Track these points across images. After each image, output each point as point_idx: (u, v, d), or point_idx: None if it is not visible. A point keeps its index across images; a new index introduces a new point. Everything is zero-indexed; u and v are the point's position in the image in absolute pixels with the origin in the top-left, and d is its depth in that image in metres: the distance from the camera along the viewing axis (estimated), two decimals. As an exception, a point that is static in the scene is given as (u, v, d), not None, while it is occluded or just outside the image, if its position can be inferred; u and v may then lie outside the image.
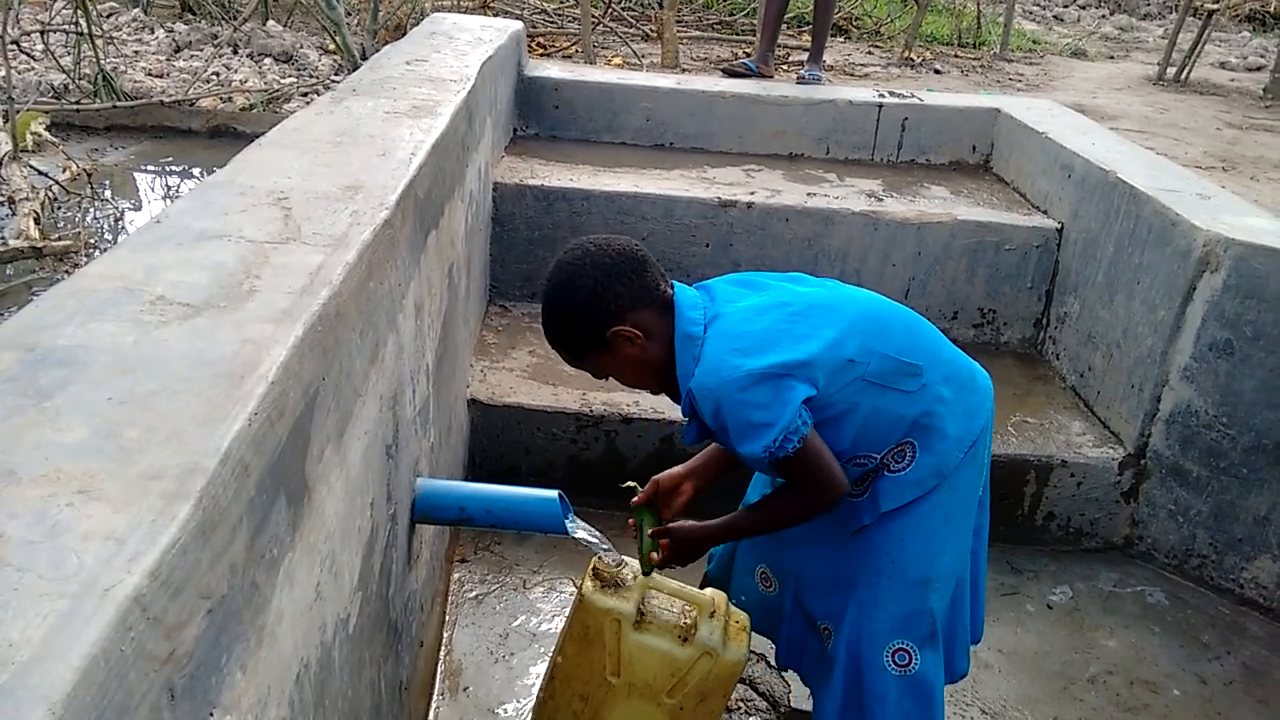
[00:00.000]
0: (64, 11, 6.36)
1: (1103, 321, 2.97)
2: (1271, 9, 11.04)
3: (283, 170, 1.61)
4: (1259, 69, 8.54)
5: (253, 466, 0.87)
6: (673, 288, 1.61)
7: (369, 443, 1.34)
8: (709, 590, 1.81)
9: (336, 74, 6.30)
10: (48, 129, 5.05)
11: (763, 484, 1.84)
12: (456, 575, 2.48)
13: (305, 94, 5.99)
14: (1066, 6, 12.50)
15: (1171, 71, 7.70)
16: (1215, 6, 7.79)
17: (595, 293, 1.54)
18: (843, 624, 1.68)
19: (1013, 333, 3.43)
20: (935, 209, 3.40)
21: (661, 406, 2.76)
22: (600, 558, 1.76)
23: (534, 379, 2.89)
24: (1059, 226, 3.29)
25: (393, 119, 2.06)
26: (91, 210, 4.50)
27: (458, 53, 3.03)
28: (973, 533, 1.74)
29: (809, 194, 3.50)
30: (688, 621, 1.74)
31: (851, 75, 6.83)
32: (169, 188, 5.12)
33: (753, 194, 3.41)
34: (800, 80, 4.57)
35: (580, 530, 1.71)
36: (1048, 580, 2.69)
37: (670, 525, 1.74)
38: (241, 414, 0.87)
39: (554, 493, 1.72)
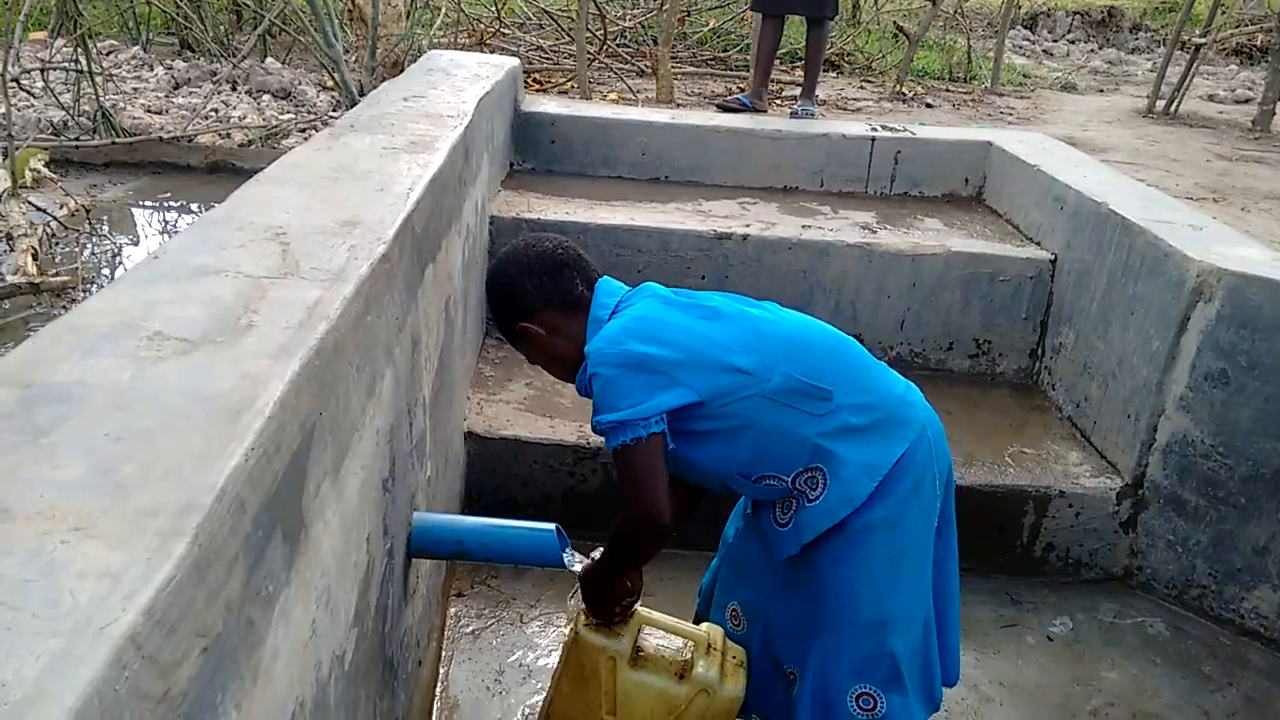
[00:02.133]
0: (64, 49, 6.43)
1: (1098, 352, 2.98)
2: (1258, 43, 11.20)
3: (281, 205, 1.62)
4: (1247, 101, 8.64)
5: (249, 503, 0.86)
6: (594, 287, 1.68)
7: (366, 477, 1.33)
8: (705, 625, 1.79)
9: (334, 110, 6.35)
10: (47, 165, 5.08)
11: (738, 517, 1.85)
12: (453, 610, 2.46)
13: (303, 130, 6.03)
14: (1056, 41, 12.67)
15: (1161, 104, 7.79)
16: (1202, 41, 7.90)
17: (507, 288, 1.69)
18: (807, 669, 1.66)
19: (1008, 363, 3.43)
20: (929, 241, 3.42)
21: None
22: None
23: (531, 411, 2.88)
24: (1052, 258, 3.31)
25: (390, 154, 2.07)
26: (89, 246, 4.52)
27: (455, 89, 3.06)
28: (933, 566, 1.69)
29: (804, 226, 3.52)
30: (684, 658, 1.72)
31: (844, 110, 6.91)
32: (167, 223, 5.14)
33: (748, 226, 3.43)
34: (794, 115, 4.62)
35: (578, 564, 1.70)
36: (1048, 612, 2.68)
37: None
38: (238, 450, 0.87)
39: (551, 526, 1.72)
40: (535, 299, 1.66)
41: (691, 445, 1.58)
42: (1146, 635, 2.62)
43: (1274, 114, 7.24)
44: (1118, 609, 2.71)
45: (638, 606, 1.78)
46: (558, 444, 2.76)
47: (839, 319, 3.36)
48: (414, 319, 1.74)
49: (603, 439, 1.55)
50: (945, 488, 1.68)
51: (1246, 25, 10.31)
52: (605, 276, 1.72)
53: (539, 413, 2.87)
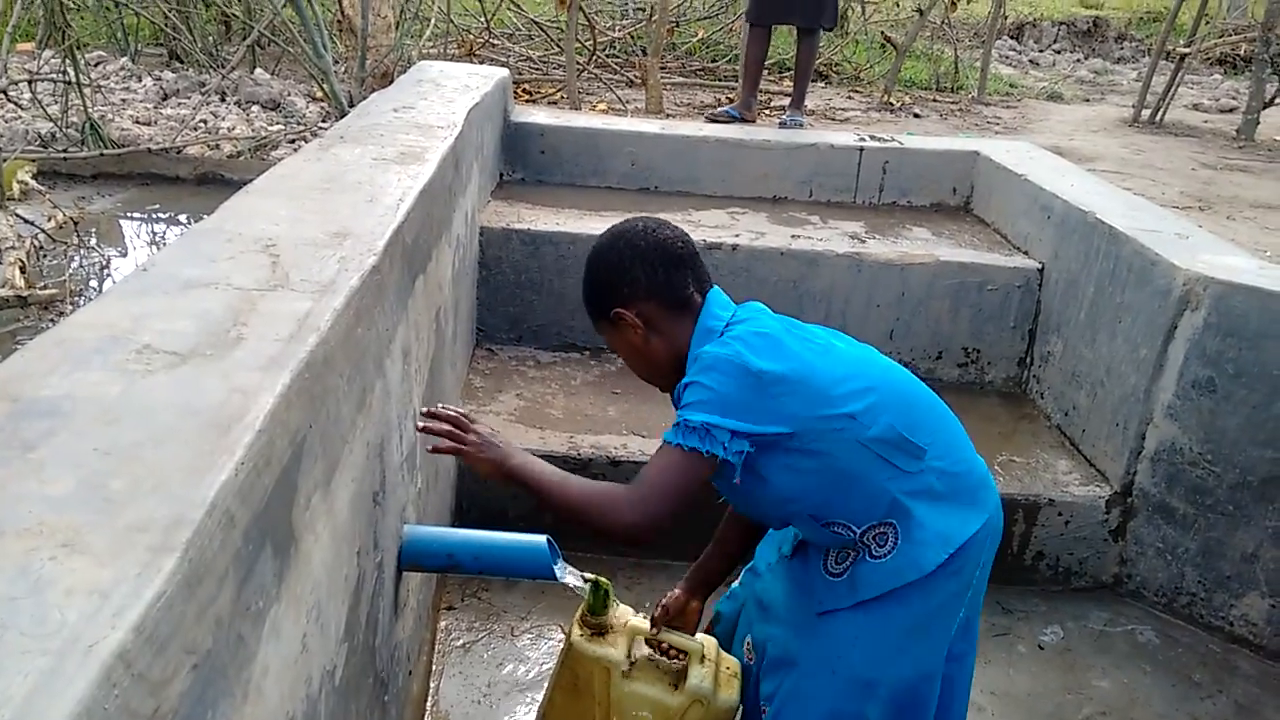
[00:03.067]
0: (52, 61, 6.41)
1: (1086, 360, 3.00)
2: (1241, 52, 11.31)
3: (270, 217, 1.61)
4: (1231, 110, 8.71)
5: (239, 517, 0.86)
6: (705, 294, 1.59)
7: (356, 490, 1.33)
8: (699, 635, 1.79)
9: (324, 121, 6.34)
10: (35, 177, 5.05)
11: (776, 540, 1.76)
12: (444, 623, 2.45)
13: (293, 141, 6.02)
14: (1042, 51, 12.76)
15: (1146, 114, 7.85)
16: (1187, 50, 7.97)
17: (615, 269, 1.57)
18: (774, 703, 1.59)
19: (996, 372, 3.45)
20: (917, 250, 3.44)
21: (650, 449, 2.75)
22: (588, 605, 1.74)
23: (521, 422, 2.88)
24: (1040, 266, 3.32)
25: (380, 165, 2.07)
26: (78, 258, 4.49)
27: (445, 100, 3.06)
28: (947, 658, 1.56)
29: (793, 236, 3.53)
30: (678, 668, 1.72)
31: (832, 120, 6.94)
32: (156, 235, 5.12)
33: (737, 237, 3.44)
34: (782, 125, 4.63)
35: (569, 575, 1.70)
36: (1038, 620, 2.68)
37: (482, 437, 1.56)
38: (228, 464, 0.87)
39: (542, 538, 1.71)
40: (641, 288, 1.55)
41: (776, 474, 1.48)
42: (1136, 643, 2.62)
43: (1258, 123, 7.30)
44: (1108, 617, 2.72)
45: (631, 618, 1.78)
46: (548, 455, 2.74)
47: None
48: (404, 330, 1.73)
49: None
50: (982, 586, 1.60)
51: (1230, 35, 10.41)
52: (717, 286, 1.62)
53: (529, 424, 2.86)
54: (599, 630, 1.74)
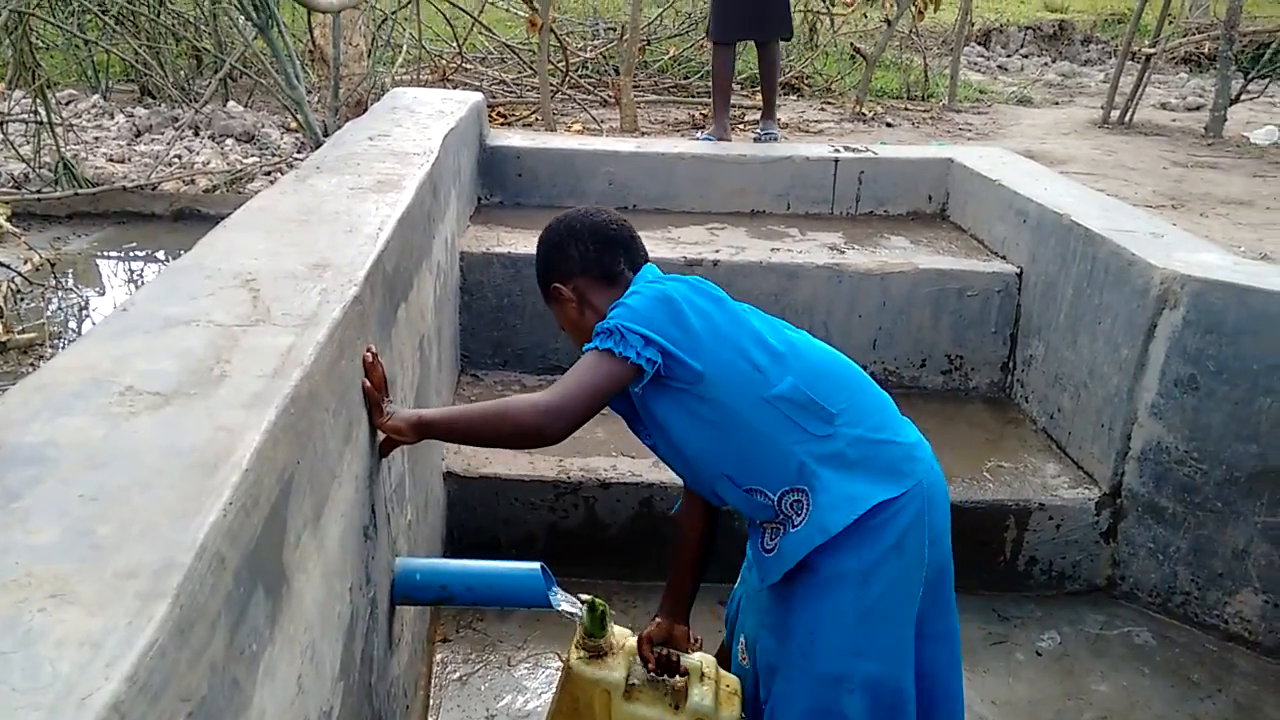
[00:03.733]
0: (23, 101, 6.36)
1: (1068, 362, 3.01)
2: (1205, 50, 11.49)
3: (249, 251, 1.60)
4: (1198, 108, 8.84)
5: (229, 559, 0.85)
6: (637, 270, 1.70)
7: (346, 525, 1.31)
8: (697, 654, 1.78)
9: (299, 151, 6.33)
10: (9, 219, 5.00)
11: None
12: (439, 656, 2.42)
13: (268, 173, 6.00)
14: (1010, 56, 12.92)
15: (1115, 114, 7.95)
16: (1152, 51, 8.09)
17: (553, 247, 1.74)
18: (767, 710, 1.64)
19: (981, 377, 3.46)
20: (896, 259, 3.45)
21: (640, 470, 2.75)
22: (585, 628, 1.73)
23: (504, 450, 2.86)
24: (1018, 271, 3.35)
25: (358, 194, 2.06)
26: (56, 300, 4.44)
27: (420, 126, 3.05)
28: (922, 637, 1.58)
29: (772, 249, 3.55)
30: (678, 687, 1.71)
31: (806, 132, 6.98)
32: (134, 273, 5.08)
33: (718, 252, 3.45)
34: (757, 139, 4.67)
35: (564, 602, 1.68)
36: (1035, 627, 2.68)
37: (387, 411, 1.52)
38: (216, 505, 0.85)
39: (536, 565, 1.70)
40: (575, 264, 1.70)
41: (684, 421, 1.57)
42: (1133, 645, 2.63)
43: (1225, 120, 7.41)
44: (1104, 620, 2.72)
45: (629, 638, 1.76)
46: (538, 480, 2.74)
47: (813, 340, 3.38)
48: (389, 360, 1.72)
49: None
50: (939, 562, 1.60)
51: (1194, 34, 10.57)
52: (652, 264, 1.73)
53: (516, 450, 2.84)
54: (597, 653, 1.72)
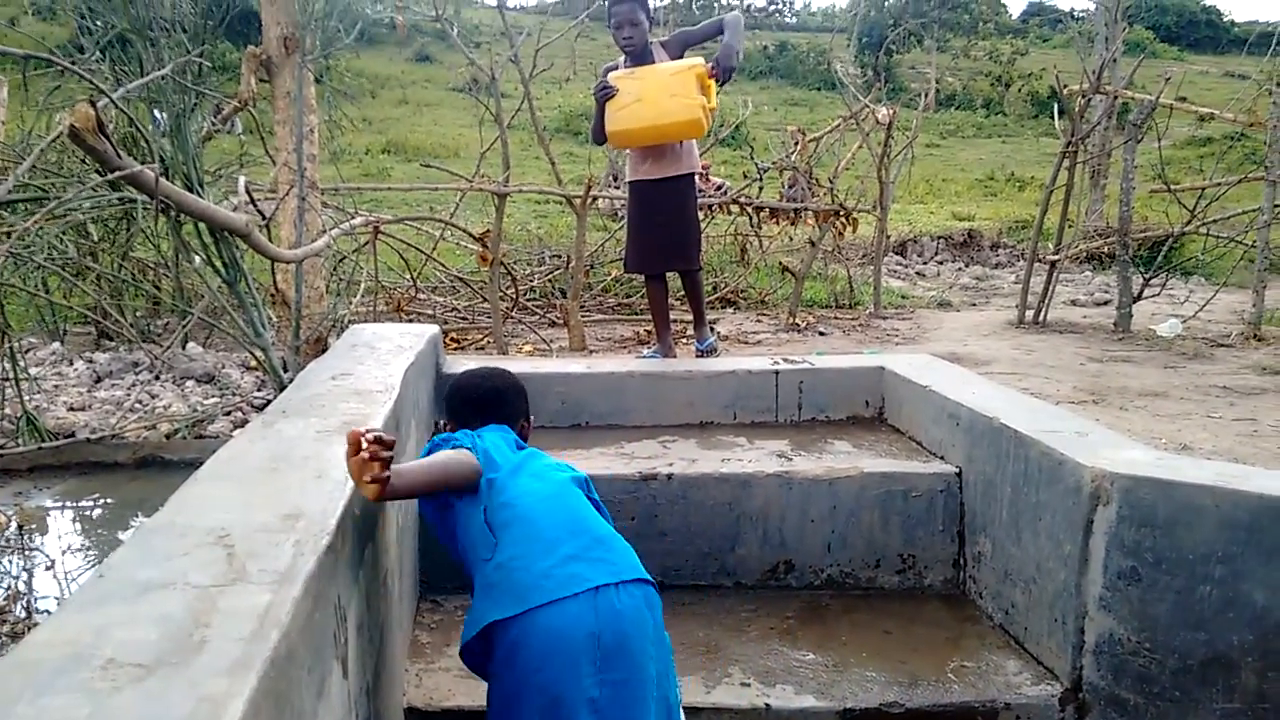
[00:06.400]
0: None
1: (1015, 559, 3.10)
2: (1105, 250, 12.47)
3: (221, 504, 1.65)
4: (1106, 303, 9.50)
5: (217, 835, 0.86)
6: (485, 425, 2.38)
7: (318, 783, 1.30)
8: None
9: (259, 389, 6.40)
10: (-30, 477, 4.89)
11: None
12: None
13: (228, 413, 6.03)
14: (926, 263, 13.84)
15: (1030, 314, 8.50)
16: (1056, 258, 8.77)
17: (446, 394, 2.62)
18: None
19: (934, 575, 3.52)
20: (842, 464, 3.58)
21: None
22: None
23: (471, 677, 2.78)
24: (958, 470, 3.49)
25: (324, 438, 2.14)
26: (20, 561, 4.27)
27: (381, 363, 3.19)
28: None
29: (723, 460, 3.66)
30: None
31: (745, 343, 7.33)
32: (99, 526, 4.91)
33: (671, 465, 3.55)
34: (699, 353, 4.89)
35: None
36: (1017, 835, 2.61)
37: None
38: (205, 779, 0.87)
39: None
40: (449, 412, 2.55)
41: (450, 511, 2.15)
42: None
43: (1131, 315, 7.96)
44: (1084, 823, 2.66)
45: None
46: (502, 712, 2.67)
47: (768, 547, 3.44)
48: (358, 603, 1.75)
49: None
50: (616, 692, 1.89)
51: (1093, 237, 11.51)
52: (500, 426, 2.39)
53: (480, 679, 2.79)
54: None
